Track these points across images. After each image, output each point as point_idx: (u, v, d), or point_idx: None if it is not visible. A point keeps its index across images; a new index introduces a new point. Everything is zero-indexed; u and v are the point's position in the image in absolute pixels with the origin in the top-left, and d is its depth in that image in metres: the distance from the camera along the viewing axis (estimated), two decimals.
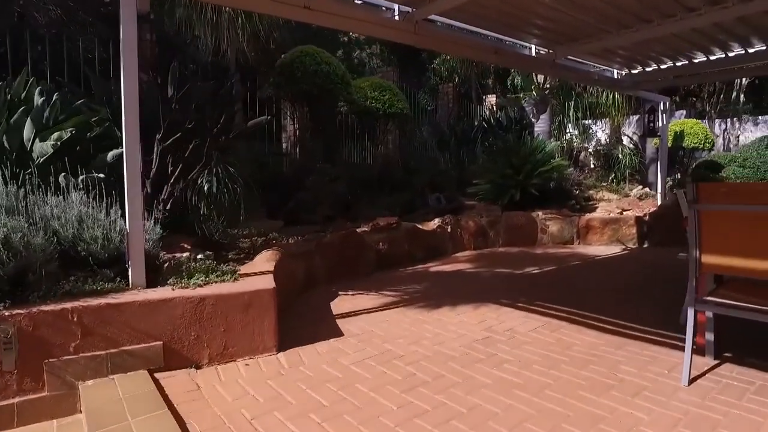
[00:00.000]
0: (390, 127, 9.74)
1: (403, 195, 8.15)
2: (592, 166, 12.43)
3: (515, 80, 11.86)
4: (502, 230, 7.86)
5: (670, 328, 3.69)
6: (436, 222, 7.07)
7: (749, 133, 13.19)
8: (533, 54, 6.05)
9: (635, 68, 7.57)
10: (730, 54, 6.66)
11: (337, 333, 3.69)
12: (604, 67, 7.52)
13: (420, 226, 6.81)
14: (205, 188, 4.82)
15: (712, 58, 6.82)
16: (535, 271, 6.02)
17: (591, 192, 9.73)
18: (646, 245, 8.07)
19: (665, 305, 4.30)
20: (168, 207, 4.20)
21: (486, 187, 8.55)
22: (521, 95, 7.76)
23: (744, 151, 10.38)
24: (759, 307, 2.55)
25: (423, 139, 10.41)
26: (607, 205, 8.94)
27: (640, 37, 5.31)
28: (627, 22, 5.25)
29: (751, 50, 6.49)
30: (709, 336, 3.14)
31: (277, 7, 3.93)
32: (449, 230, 7.16)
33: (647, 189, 9.96)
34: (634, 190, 9.80)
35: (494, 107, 13.66)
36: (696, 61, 6.95)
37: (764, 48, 6.38)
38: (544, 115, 9.49)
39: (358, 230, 5.91)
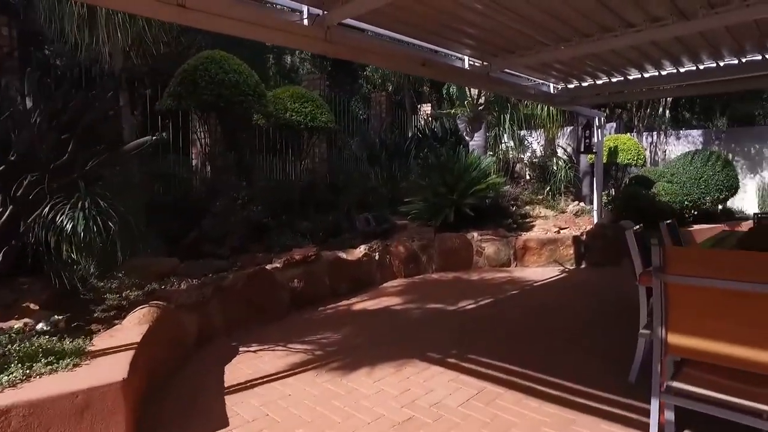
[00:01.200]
0: (316, 140, 8.98)
1: (327, 216, 7.40)
2: (528, 177, 12.22)
3: (451, 89, 11.44)
4: (436, 254, 7.27)
5: (621, 387, 3.19)
6: (362, 249, 6.37)
7: (673, 146, 13.46)
8: (466, 66, 5.50)
9: (571, 83, 7.25)
10: (663, 72, 6.44)
11: (221, 423, 2.88)
12: (541, 81, 7.14)
13: (343, 256, 6.09)
14: (68, 227, 3.85)
15: (646, 75, 6.58)
16: (470, 307, 5.44)
17: (528, 208, 9.39)
18: (583, 266, 7.76)
19: (613, 353, 3.82)
20: None
21: (419, 206, 7.97)
22: (454, 111, 7.23)
23: (671, 166, 10.41)
24: (738, 401, 2.01)
25: (353, 153, 9.73)
26: (544, 223, 8.60)
27: (579, 52, 4.87)
28: (566, 35, 4.79)
29: (682, 69, 6.30)
30: (670, 415, 2.61)
31: (146, 4, 3.10)
32: (377, 258, 6.48)
33: (583, 204, 9.76)
34: (570, 206, 9.56)
35: (429, 117, 13.20)
36: (631, 77, 6.69)
37: (694, 68, 6.20)
38: (480, 129, 9.07)
39: (268, 267, 5.09)
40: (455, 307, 5.44)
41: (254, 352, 4.01)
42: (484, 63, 5.47)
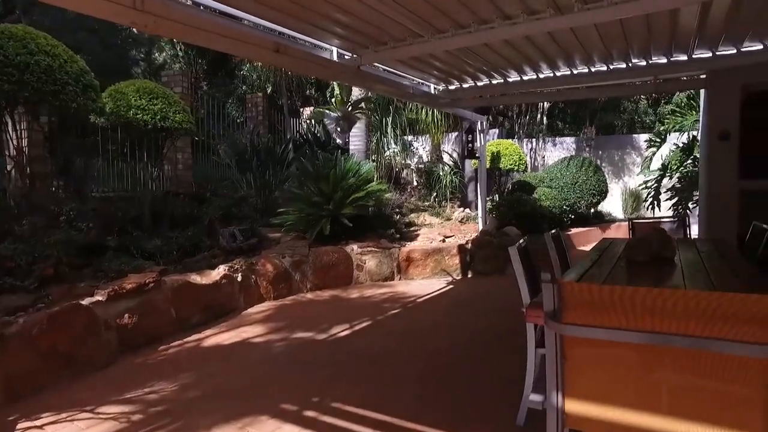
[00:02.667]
0: (174, 143, 7.81)
1: (186, 232, 6.31)
2: (414, 183, 11.91)
3: (336, 91, 10.74)
4: (311, 271, 6.50)
5: None
6: (221, 270, 5.41)
7: (550, 152, 14.00)
8: (334, 58, 4.81)
9: (452, 84, 6.89)
10: (541, 75, 6.29)
11: None
12: (421, 81, 6.69)
13: (197, 279, 5.09)
14: None
15: (525, 78, 6.39)
16: (344, 333, 4.74)
17: (412, 216, 8.97)
18: (470, 275, 7.44)
19: (499, 386, 3.30)
20: None
21: (293, 217, 7.14)
22: (319, 109, 6.52)
23: (550, 171, 10.66)
24: None
25: (223, 159, 8.66)
26: (429, 232, 8.19)
27: (455, 45, 4.39)
28: (441, 25, 4.29)
29: (558, 73, 6.19)
30: None
31: None
32: (240, 279, 5.56)
33: (468, 210, 9.57)
34: (456, 213, 9.31)
35: (312, 121, 12.42)
36: (511, 80, 6.47)
37: (569, 72, 6.11)
38: (360, 132, 8.49)
39: (85, 302, 3.97)
40: (327, 335, 4.70)
41: (39, 427, 2.94)
42: (354, 55, 4.82)
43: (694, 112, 7.91)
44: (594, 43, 5.08)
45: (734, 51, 5.40)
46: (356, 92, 8.36)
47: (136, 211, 6.29)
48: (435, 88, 7.00)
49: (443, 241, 7.69)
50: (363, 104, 8.01)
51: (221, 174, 9.83)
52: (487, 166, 9.45)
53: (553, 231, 3.90)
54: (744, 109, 5.57)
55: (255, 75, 12.54)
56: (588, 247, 9.81)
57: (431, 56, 5.48)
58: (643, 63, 5.77)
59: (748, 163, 5.60)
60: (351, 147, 8.64)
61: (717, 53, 5.47)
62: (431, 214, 9.14)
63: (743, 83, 5.56)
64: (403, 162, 12.41)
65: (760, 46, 5.29)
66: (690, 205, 7.74)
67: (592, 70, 6.02)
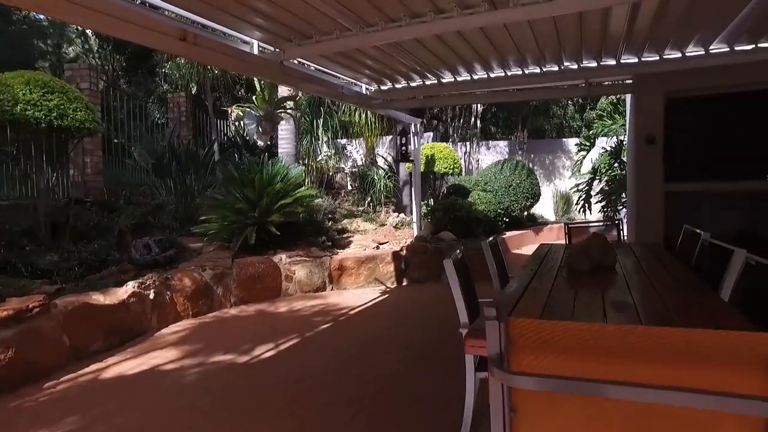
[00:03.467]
0: (88, 146, 7.04)
1: (90, 246, 5.63)
2: (349, 188, 11.57)
3: (259, 88, 10.14)
4: (234, 284, 5.98)
5: None
6: (129, 287, 4.80)
7: (484, 156, 14.12)
8: (255, 52, 4.37)
9: (385, 84, 6.61)
10: (475, 77, 6.14)
11: None
12: (352, 81, 6.36)
13: (99, 299, 4.47)
14: None
15: (459, 79, 6.21)
16: (267, 355, 4.29)
17: (346, 222, 8.61)
18: (405, 283, 7.19)
19: (435, 417, 3.00)
20: None
21: (215, 225, 6.58)
22: (238, 107, 6.03)
23: (485, 175, 10.66)
24: None
25: (138, 163, 7.91)
26: (362, 239, 7.87)
27: (384, 39, 4.09)
28: (371, 18, 3.97)
29: (492, 75, 6.07)
30: None
31: None
32: (152, 296, 4.97)
33: (403, 215, 9.34)
34: (390, 218, 9.04)
35: (241, 123, 11.76)
36: (444, 81, 6.28)
37: (503, 74, 6.00)
38: (289, 134, 8.03)
39: None
40: (249, 356, 4.24)
41: None
42: (277, 50, 4.40)
43: (619, 117, 8.11)
44: (528, 44, 4.97)
45: (657, 58, 5.48)
46: (284, 91, 7.90)
47: (30, 222, 5.53)
48: (367, 89, 6.70)
49: (377, 248, 7.39)
50: (289, 103, 7.55)
51: (140, 180, 9.02)
52: (422, 169, 9.27)
53: (491, 239, 3.68)
54: (667, 114, 5.67)
55: (178, 73, 11.70)
56: (523, 250, 9.89)
57: (362, 53, 5.17)
58: (575, 66, 5.74)
59: (672, 167, 5.69)
60: (280, 150, 8.16)
61: (642, 59, 5.53)
62: (365, 220, 8.82)
63: (666, 89, 5.66)
64: (337, 166, 12.04)
65: (679, 55, 5.40)
66: (619, 207, 7.90)
67: (526, 72, 5.93)
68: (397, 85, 6.59)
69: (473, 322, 2.40)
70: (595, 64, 5.68)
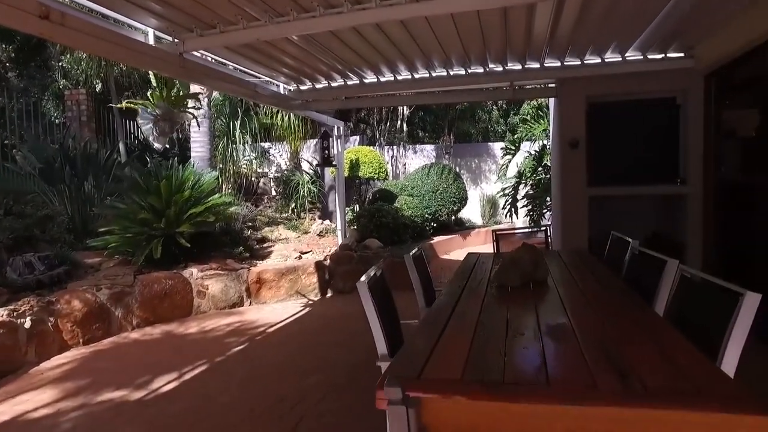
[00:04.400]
0: None
1: None
2: (273, 193, 10.99)
3: (167, 83, 9.30)
4: (137, 304, 5.32)
5: None
6: None
7: (411, 160, 14.01)
8: (150, 42, 3.83)
9: (304, 84, 6.21)
10: (399, 77, 5.89)
11: None
12: (268, 79, 5.90)
13: None
14: None
15: (382, 79, 5.94)
16: (170, 387, 3.76)
17: (267, 230, 8.08)
18: (329, 294, 6.80)
19: None
20: None
21: (116, 238, 5.87)
22: (127, 103, 5.39)
23: (411, 179, 10.49)
24: None
25: (21, 168, 6.96)
26: (284, 248, 7.39)
27: (296, 30, 3.70)
28: (282, 7, 3.57)
29: (417, 75, 5.85)
30: None
31: None
32: (28, 325, 4.25)
33: (328, 222, 8.94)
34: (314, 226, 8.61)
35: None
36: (367, 81, 5.97)
37: (427, 75, 5.79)
38: (202, 137, 7.40)
39: None
40: (146, 391, 3.68)
41: None
42: (175, 40, 3.88)
43: (543, 121, 8.20)
44: (453, 43, 4.77)
45: (579, 62, 5.49)
46: (195, 88, 7.24)
47: None
48: (285, 88, 6.26)
49: (300, 257, 6.95)
50: (200, 102, 6.93)
51: (29, 187, 7.97)
52: (346, 174, 8.93)
53: (415, 251, 3.39)
54: (588, 119, 5.69)
55: (79, 68, 10.60)
56: (451, 255, 9.81)
57: (277, 49, 4.75)
58: (500, 68, 5.64)
59: (594, 171, 5.72)
60: (192, 154, 7.51)
61: (565, 63, 5.52)
62: (288, 228, 8.33)
63: (587, 94, 5.69)
64: (260, 171, 11.43)
65: (599, 60, 5.44)
66: (544, 211, 7.96)
67: (451, 73, 5.75)
68: (318, 85, 6.21)
69: (394, 355, 2.07)
70: (519, 67, 5.60)
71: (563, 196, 5.85)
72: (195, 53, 4.26)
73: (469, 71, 5.74)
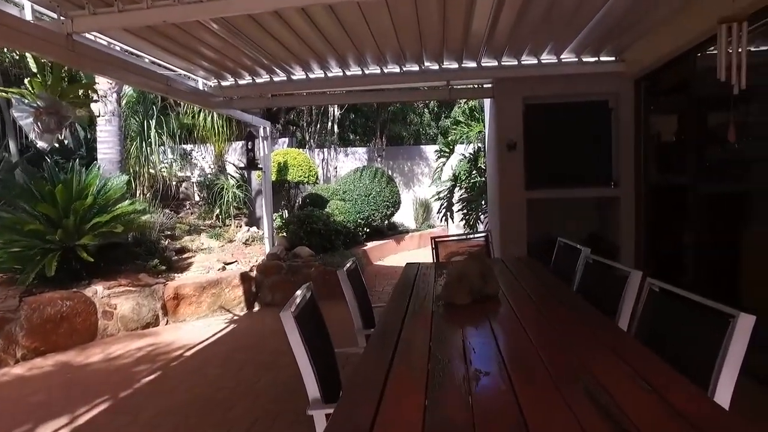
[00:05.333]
0: None
1: None
2: (197, 199, 10.19)
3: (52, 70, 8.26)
4: (23, 332, 4.54)
5: None
6: None
7: (342, 163, 13.62)
8: (28, 18, 3.19)
9: (226, 79, 5.67)
10: (330, 74, 5.50)
11: None
12: (185, 73, 5.31)
13: None
14: None
15: (312, 76, 5.52)
16: None
17: (187, 240, 7.38)
18: (256, 308, 6.27)
19: None
20: None
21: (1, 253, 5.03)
22: (11, 92, 4.61)
23: (343, 183, 10.10)
24: None
25: None
26: (206, 259, 6.75)
27: (211, 12, 3.18)
28: None
29: (348, 72, 5.49)
30: None
31: None
32: None
33: (255, 229, 8.34)
34: (240, 233, 8.00)
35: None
36: (295, 77, 5.53)
37: (360, 72, 5.46)
38: (111, 137, 6.59)
39: None
40: None
41: None
42: (61, 17, 3.27)
43: (476, 124, 8.10)
44: (388, 38, 4.47)
45: (516, 62, 5.36)
46: (103, 80, 6.44)
47: None
48: (205, 84, 5.69)
49: (223, 269, 6.36)
50: (96, 95, 6.14)
51: None
52: (274, 178, 8.41)
53: (349, 264, 3.01)
54: (525, 120, 5.58)
55: None
56: (386, 261, 9.50)
57: (194, 38, 4.22)
58: (436, 67, 5.39)
59: (532, 174, 5.62)
60: (99, 156, 6.68)
61: (502, 63, 5.37)
62: (211, 236, 7.67)
63: (524, 95, 5.57)
64: (182, 174, 10.58)
65: (535, 61, 5.34)
66: (480, 215, 7.82)
67: (385, 71, 5.44)
68: (241, 81, 5.69)
69: (327, 401, 1.68)
70: (456, 66, 5.38)
71: (501, 199, 5.69)
72: (88, 35, 3.64)
73: (404, 69, 5.46)
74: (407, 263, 3.91)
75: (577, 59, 5.35)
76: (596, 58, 5.38)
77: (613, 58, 5.37)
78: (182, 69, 5.21)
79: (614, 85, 5.47)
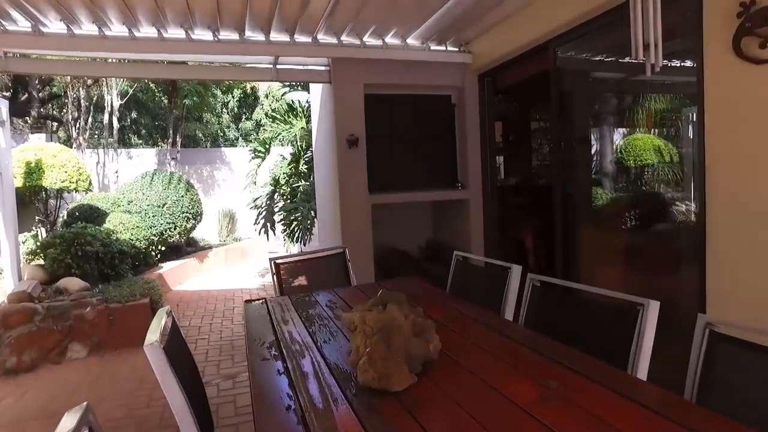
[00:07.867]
0: None
1: None
2: None
3: None
4: None
5: None
6: None
7: (126, 168, 11.13)
8: None
9: None
10: (108, 32, 3.88)
11: None
12: None
13: None
14: None
15: (77, 32, 3.81)
16: None
17: None
18: None
19: None
20: None
21: None
22: None
23: (128, 191, 7.97)
24: None
25: None
26: None
27: None
28: None
29: (138, 34, 3.95)
30: None
31: None
32: None
33: None
34: None
35: None
36: (48, 31, 3.73)
37: (156, 35, 3.98)
38: None
39: None
40: None
41: None
42: None
43: (297, 120, 7.00)
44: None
45: (358, 42, 4.50)
46: None
47: None
48: None
49: None
50: None
51: None
52: (19, 184, 6.06)
53: (163, 322, 1.67)
54: (367, 112, 4.74)
55: None
56: (186, 285, 7.72)
57: None
58: (262, 37, 4.18)
59: (376, 175, 4.81)
60: None
61: (342, 41, 4.45)
62: None
63: (365, 82, 4.72)
64: None
65: (380, 42, 4.57)
66: (309, 226, 6.71)
67: (192, 36, 4.02)
68: None
69: None
70: (287, 39, 4.25)
71: (342, 205, 4.72)
72: None
73: (220, 37, 4.11)
74: (246, 302, 2.66)
75: (424, 46, 4.74)
76: (444, 47, 4.85)
77: (457, 49, 4.91)
78: None
79: (458, 79, 5.01)
